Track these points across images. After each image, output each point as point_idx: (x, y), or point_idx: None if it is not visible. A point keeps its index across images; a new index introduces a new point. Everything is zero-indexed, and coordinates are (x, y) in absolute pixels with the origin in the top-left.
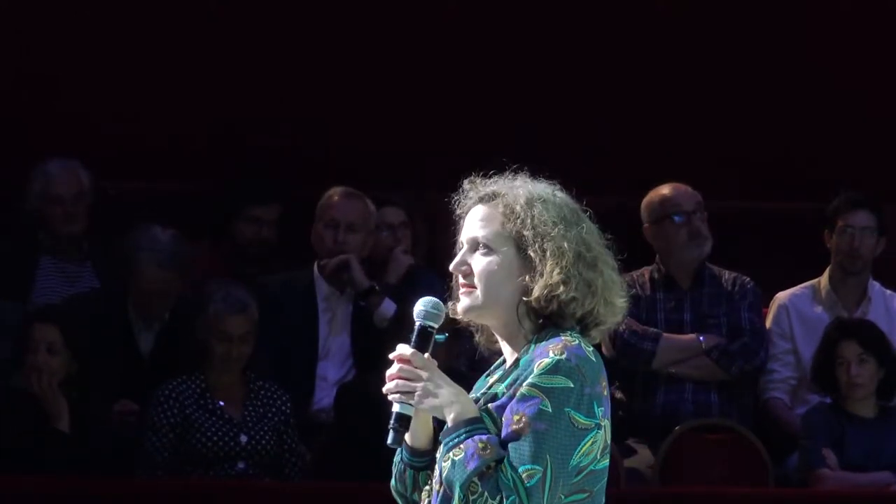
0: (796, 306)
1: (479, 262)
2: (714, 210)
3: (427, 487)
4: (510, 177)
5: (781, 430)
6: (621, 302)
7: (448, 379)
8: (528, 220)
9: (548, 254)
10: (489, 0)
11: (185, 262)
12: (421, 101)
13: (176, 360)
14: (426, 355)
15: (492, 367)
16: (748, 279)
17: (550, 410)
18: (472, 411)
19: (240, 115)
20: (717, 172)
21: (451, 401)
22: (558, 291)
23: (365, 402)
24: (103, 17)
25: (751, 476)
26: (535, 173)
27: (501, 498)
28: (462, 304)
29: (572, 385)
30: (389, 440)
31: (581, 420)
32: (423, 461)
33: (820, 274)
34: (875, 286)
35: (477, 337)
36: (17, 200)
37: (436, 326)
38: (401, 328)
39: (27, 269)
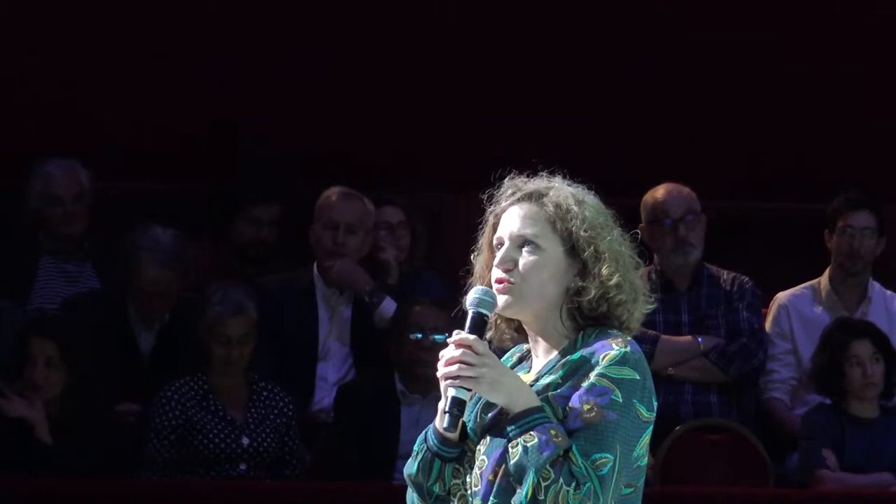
0: (796, 307)
1: (526, 259)
2: (714, 210)
3: (457, 482)
4: (547, 178)
5: (781, 430)
6: (648, 307)
7: (507, 367)
8: (581, 223)
9: (604, 256)
10: (489, 1)
11: (186, 262)
12: (421, 102)
13: (176, 360)
14: (485, 342)
15: (510, 362)
16: (747, 279)
17: (621, 401)
18: (536, 400)
19: (240, 115)
20: (717, 172)
21: (517, 388)
22: (612, 294)
23: (365, 403)
24: (103, 17)
25: (751, 476)
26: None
27: (577, 484)
28: (503, 299)
29: (638, 377)
30: (446, 424)
31: (644, 413)
32: (454, 452)
33: (820, 274)
34: (875, 286)
35: (489, 334)
36: (17, 200)
37: (489, 314)
38: (401, 328)
39: (27, 269)
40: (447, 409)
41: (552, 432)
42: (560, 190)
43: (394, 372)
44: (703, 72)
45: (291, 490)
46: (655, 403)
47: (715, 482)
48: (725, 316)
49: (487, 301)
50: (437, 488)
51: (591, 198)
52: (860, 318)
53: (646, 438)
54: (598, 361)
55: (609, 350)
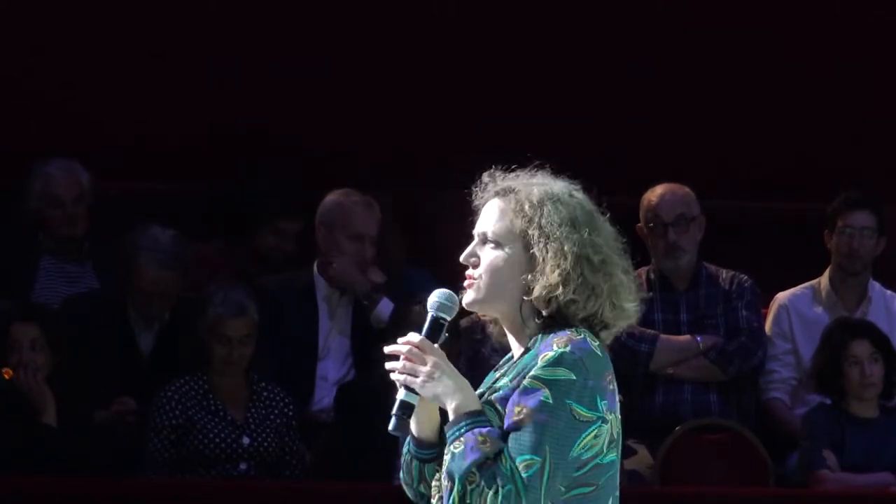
0: (796, 306)
1: (486, 256)
2: (714, 210)
3: (436, 483)
4: (529, 173)
5: (781, 430)
6: (631, 305)
7: (454, 370)
8: (537, 219)
9: (549, 254)
10: (489, 1)
11: (186, 262)
12: (421, 102)
13: (176, 360)
14: (435, 345)
15: (500, 363)
16: (746, 278)
17: (552, 402)
18: (474, 403)
19: (240, 115)
20: (717, 172)
21: (453, 391)
22: (557, 292)
23: (365, 402)
24: (103, 17)
25: (751, 476)
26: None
27: (497, 487)
28: (466, 297)
29: (574, 377)
30: (391, 426)
31: (583, 412)
32: (429, 453)
33: (820, 274)
34: (875, 286)
35: (490, 328)
36: (17, 200)
37: (448, 318)
38: (399, 328)
39: (27, 269)
40: (393, 411)
41: (479, 438)
42: (530, 187)
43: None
44: (703, 72)
45: (291, 490)
46: (604, 402)
47: (715, 482)
48: (724, 315)
49: (447, 305)
50: (422, 489)
51: (569, 196)
52: (860, 318)
53: (590, 438)
54: (537, 363)
55: (548, 351)
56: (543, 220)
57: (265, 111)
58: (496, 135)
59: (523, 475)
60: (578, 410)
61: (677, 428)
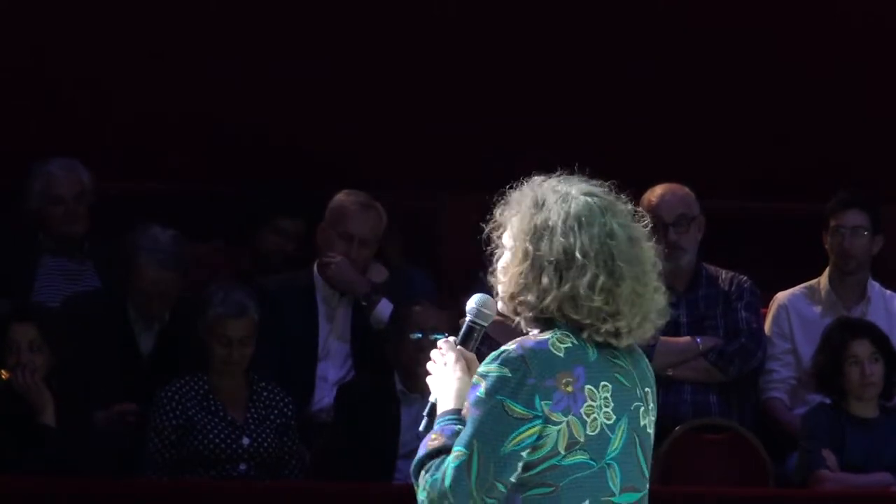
0: (796, 306)
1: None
2: (714, 210)
3: None
4: (551, 178)
5: (781, 430)
6: (601, 304)
7: (455, 370)
8: (512, 226)
9: (508, 257)
10: (489, 1)
11: (185, 262)
12: (420, 101)
13: (176, 360)
14: (459, 348)
15: None
16: (745, 279)
17: (483, 396)
18: (451, 403)
19: (240, 115)
20: (717, 172)
21: (442, 393)
22: (503, 293)
23: (365, 402)
24: (103, 17)
25: (751, 476)
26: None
27: (429, 478)
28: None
29: (509, 374)
30: (420, 427)
31: (517, 409)
32: None
33: (820, 274)
34: (874, 286)
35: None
36: (17, 200)
37: (483, 324)
38: (401, 328)
39: (28, 268)
40: (424, 412)
41: (433, 436)
42: (529, 194)
43: (393, 372)
44: (703, 72)
45: (291, 490)
46: (547, 402)
47: (715, 482)
48: (724, 316)
49: (482, 311)
50: None
51: (561, 201)
52: (860, 318)
53: (524, 437)
54: None
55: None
56: (515, 227)
57: (265, 111)
58: (496, 135)
59: (452, 466)
60: (511, 407)
61: (677, 428)
